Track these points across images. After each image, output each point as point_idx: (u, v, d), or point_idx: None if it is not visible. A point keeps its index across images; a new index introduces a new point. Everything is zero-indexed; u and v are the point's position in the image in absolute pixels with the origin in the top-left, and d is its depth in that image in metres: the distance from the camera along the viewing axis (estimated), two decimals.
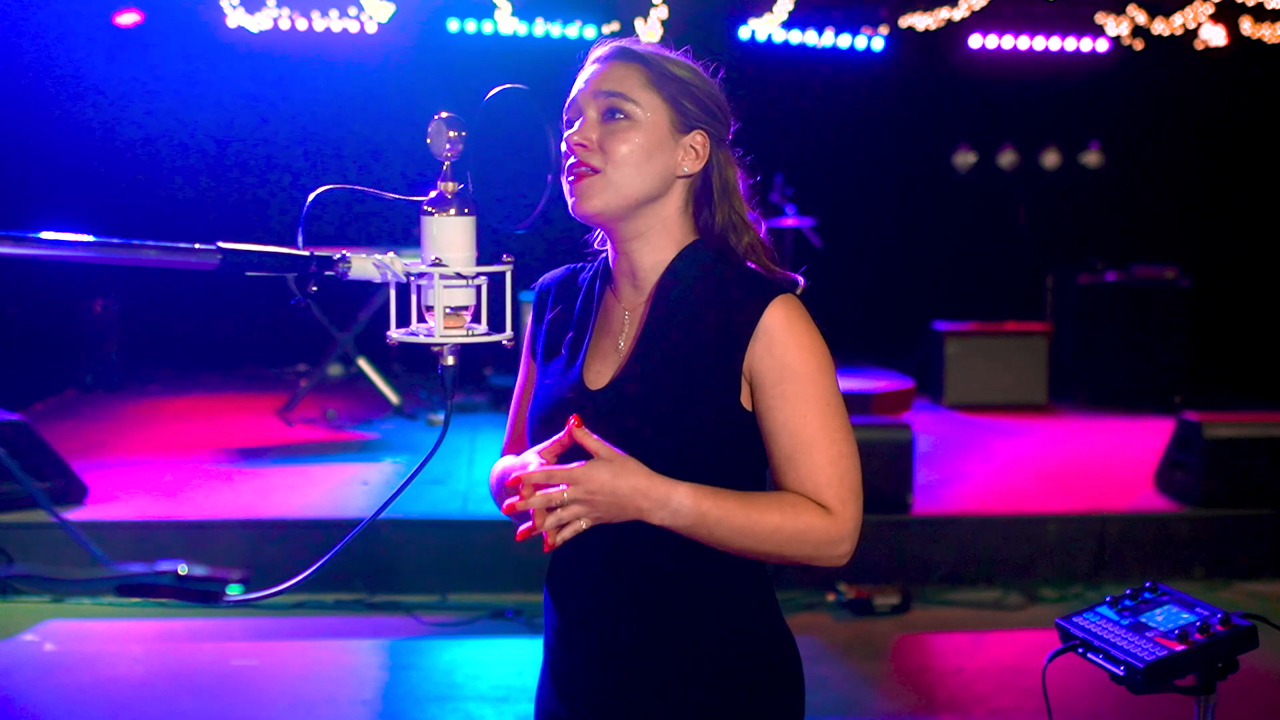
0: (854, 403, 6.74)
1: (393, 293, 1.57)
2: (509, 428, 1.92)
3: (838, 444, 1.66)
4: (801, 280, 1.77)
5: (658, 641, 1.70)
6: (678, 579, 1.70)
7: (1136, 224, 9.81)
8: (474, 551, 5.26)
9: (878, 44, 9.68)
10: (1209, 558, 5.63)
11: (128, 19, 8.39)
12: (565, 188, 1.72)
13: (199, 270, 1.42)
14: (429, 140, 1.54)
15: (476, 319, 1.56)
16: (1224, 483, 5.66)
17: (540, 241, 1.87)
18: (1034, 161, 9.79)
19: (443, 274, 1.52)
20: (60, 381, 8.24)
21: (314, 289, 1.50)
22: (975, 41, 9.76)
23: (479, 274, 1.54)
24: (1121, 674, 1.74)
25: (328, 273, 1.51)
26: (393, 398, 7.74)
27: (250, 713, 4.15)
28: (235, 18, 8.55)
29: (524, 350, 1.91)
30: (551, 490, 1.59)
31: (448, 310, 1.53)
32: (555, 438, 1.64)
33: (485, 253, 1.56)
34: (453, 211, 1.54)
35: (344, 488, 5.89)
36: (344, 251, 1.54)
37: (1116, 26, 9.70)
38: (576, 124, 1.73)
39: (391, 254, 1.56)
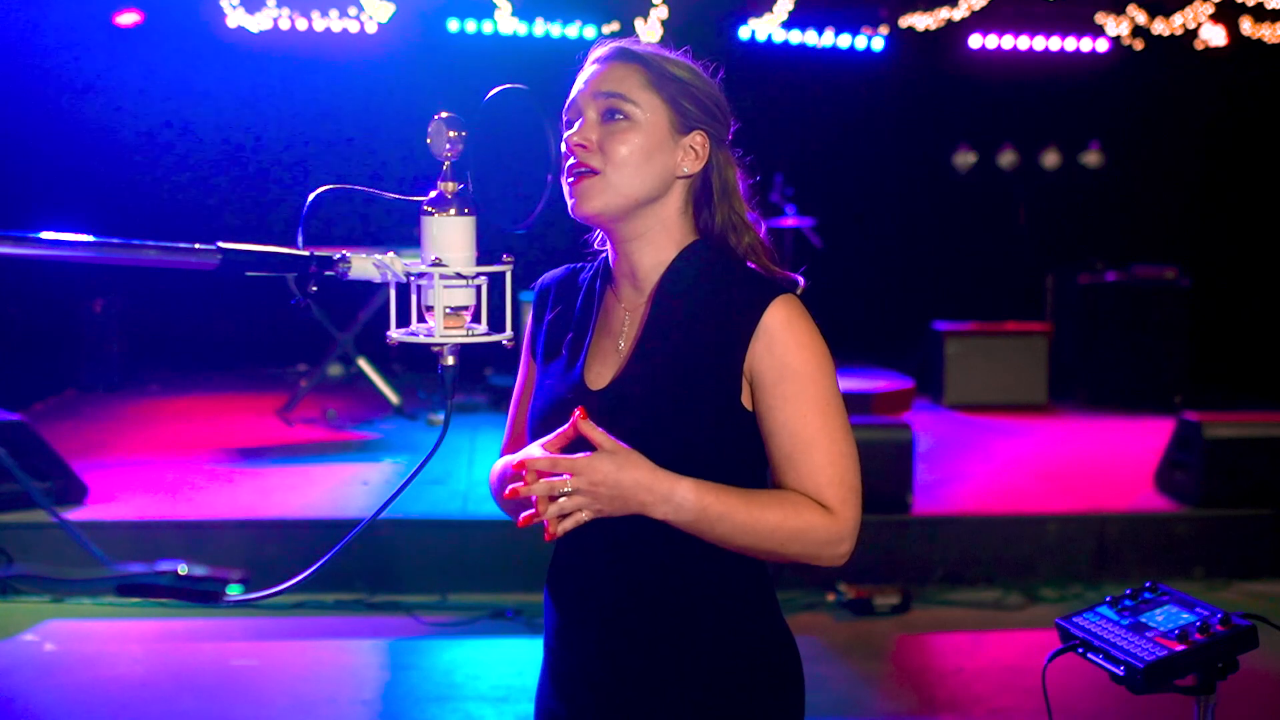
0: (854, 403, 6.74)
1: (393, 293, 1.57)
2: (508, 428, 1.92)
3: (838, 444, 1.66)
4: (801, 280, 1.77)
5: (658, 641, 1.70)
6: (678, 579, 1.70)
7: (1136, 224, 9.81)
8: (474, 551, 5.26)
9: (878, 44, 9.68)
10: (1209, 558, 5.63)
11: (128, 19, 8.39)
12: (565, 188, 1.72)
13: (199, 270, 1.42)
14: (429, 140, 1.54)
15: (476, 319, 1.56)
16: (1224, 483, 5.66)
17: (540, 241, 1.87)
18: (1034, 161, 9.79)
19: (443, 274, 1.52)
20: (60, 381, 8.24)
21: (314, 289, 1.50)
22: (975, 41, 9.76)
23: (479, 274, 1.54)
24: (1121, 674, 1.74)
25: (328, 273, 1.51)
26: (393, 398, 7.74)
27: (250, 713, 4.15)
28: (235, 18, 8.55)
29: (524, 350, 1.91)
30: (555, 478, 1.59)
31: (448, 310, 1.53)
32: (560, 430, 1.64)
33: (485, 253, 1.56)
34: (453, 211, 1.54)
35: (344, 488, 5.90)
36: (344, 251, 1.54)
37: (1116, 26, 9.70)
38: (576, 125, 1.73)
39: (391, 254, 1.56)
